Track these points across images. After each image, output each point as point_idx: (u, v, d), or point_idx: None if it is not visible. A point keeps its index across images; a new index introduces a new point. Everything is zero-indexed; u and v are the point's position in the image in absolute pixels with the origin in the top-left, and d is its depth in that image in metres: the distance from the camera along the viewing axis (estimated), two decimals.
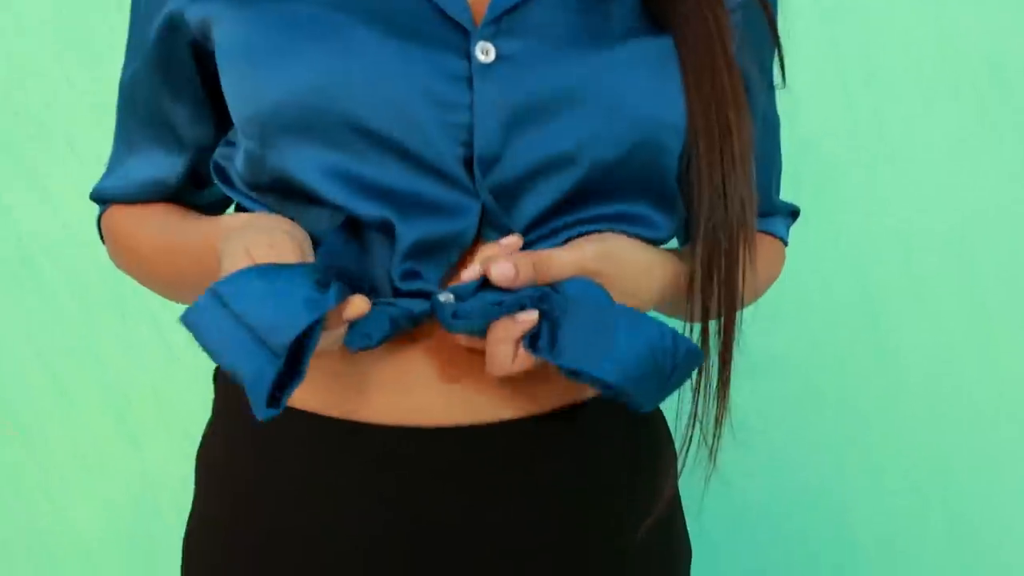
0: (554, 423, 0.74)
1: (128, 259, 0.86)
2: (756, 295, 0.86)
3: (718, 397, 0.72)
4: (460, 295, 0.67)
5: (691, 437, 0.72)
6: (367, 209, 0.68)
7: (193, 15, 0.72)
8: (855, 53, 1.33)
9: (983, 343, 1.40)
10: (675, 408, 0.73)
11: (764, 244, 0.86)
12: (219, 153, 0.78)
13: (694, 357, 0.66)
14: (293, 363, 0.61)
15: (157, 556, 1.46)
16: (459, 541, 0.73)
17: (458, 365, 0.72)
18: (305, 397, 0.73)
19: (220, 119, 0.79)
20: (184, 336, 0.61)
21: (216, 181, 0.78)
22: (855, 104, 1.34)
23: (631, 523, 0.77)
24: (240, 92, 0.70)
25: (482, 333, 0.67)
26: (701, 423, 0.71)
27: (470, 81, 0.67)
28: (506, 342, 0.66)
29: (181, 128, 0.81)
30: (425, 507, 0.72)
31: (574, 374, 0.64)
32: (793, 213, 0.91)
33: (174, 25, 0.75)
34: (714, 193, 0.70)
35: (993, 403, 1.42)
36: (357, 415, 0.72)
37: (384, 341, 0.68)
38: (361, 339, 0.68)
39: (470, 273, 0.68)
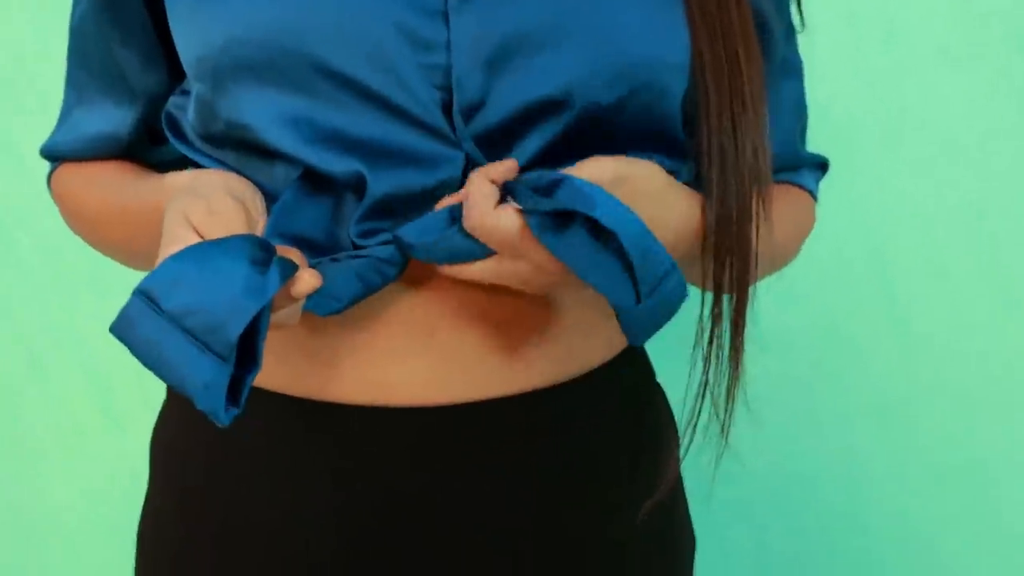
0: (538, 403, 0.69)
1: (78, 223, 0.80)
2: (785, 253, 0.79)
3: (730, 365, 0.66)
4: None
5: (700, 410, 0.66)
6: (331, 162, 0.62)
7: None
8: (872, 12, 1.27)
9: (1004, 320, 1.34)
10: (684, 381, 0.67)
11: (790, 196, 0.80)
12: (172, 103, 0.72)
13: (670, 281, 0.59)
14: (244, 355, 0.54)
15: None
16: (435, 530, 0.67)
17: (437, 338, 0.66)
18: (266, 374, 0.67)
19: (174, 66, 0.73)
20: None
21: (168, 135, 0.72)
22: (871, 67, 1.28)
23: (628, 509, 0.72)
24: (188, 28, 0.64)
25: (458, 258, 0.60)
26: (712, 394, 0.65)
27: (446, 17, 0.61)
28: (485, 184, 0.59)
29: (132, 76, 0.75)
30: (399, 494, 0.67)
31: (562, 224, 0.57)
32: (821, 165, 0.84)
33: None
34: (723, 137, 0.63)
35: (1013, 381, 1.36)
36: (323, 394, 0.66)
37: (355, 302, 0.62)
38: (328, 303, 0.62)
39: (445, 203, 0.62)
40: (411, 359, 0.66)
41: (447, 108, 0.62)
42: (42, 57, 1.26)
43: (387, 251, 0.62)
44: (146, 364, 0.54)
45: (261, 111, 0.62)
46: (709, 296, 0.66)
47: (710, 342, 0.66)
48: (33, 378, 1.35)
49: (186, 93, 0.71)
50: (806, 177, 0.82)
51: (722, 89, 0.63)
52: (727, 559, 1.40)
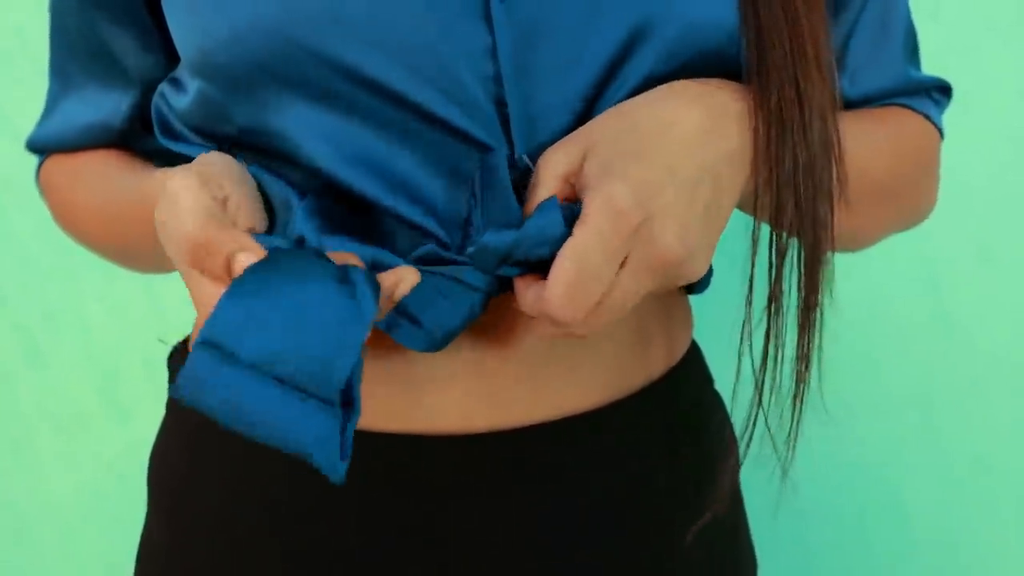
0: (592, 425, 0.62)
1: (67, 222, 0.73)
2: (894, 191, 0.69)
3: (797, 361, 0.58)
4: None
5: (755, 419, 0.59)
6: (381, 195, 0.55)
7: None
8: None
9: None
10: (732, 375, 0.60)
11: (900, 121, 0.69)
12: (162, 94, 0.64)
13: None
14: (345, 395, 0.46)
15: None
16: (479, 563, 0.60)
17: (482, 363, 0.59)
18: None
19: (171, 47, 0.64)
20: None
21: (156, 132, 0.64)
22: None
23: (689, 537, 0.65)
24: (184, 13, 0.56)
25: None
26: (772, 394, 0.58)
27: (488, 19, 0.54)
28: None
29: (125, 59, 0.67)
30: (438, 531, 0.60)
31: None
32: (942, 88, 0.74)
33: None
34: (785, 106, 0.55)
35: None
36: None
37: (459, 331, 0.55)
38: (425, 339, 0.53)
39: None
40: (453, 386, 0.59)
41: (504, 123, 0.55)
42: (43, 33, 1.20)
43: (474, 276, 0.54)
44: (234, 428, 0.45)
45: (293, 123, 0.55)
46: (760, 277, 0.58)
47: (767, 339, 0.58)
48: (31, 366, 1.30)
49: (175, 82, 0.63)
50: (919, 101, 0.72)
51: (780, 49, 0.55)
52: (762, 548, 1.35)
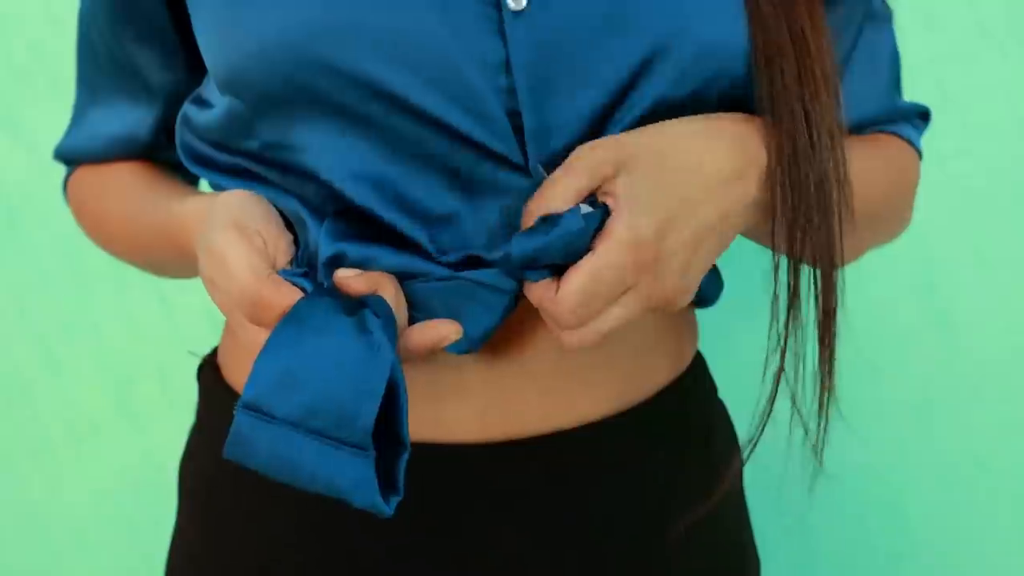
0: (603, 433, 0.64)
1: (94, 236, 0.76)
2: (887, 211, 0.71)
3: (821, 370, 0.60)
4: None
5: (764, 426, 0.61)
6: (398, 221, 0.58)
7: None
8: None
9: None
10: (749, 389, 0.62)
11: (889, 147, 0.73)
12: (185, 118, 0.66)
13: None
14: (386, 432, 0.50)
15: (159, 544, 1.36)
16: (495, 569, 0.63)
17: (500, 371, 0.61)
18: None
19: (196, 62, 0.66)
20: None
21: (181, 156, 0.66)
22: (912, 51, 1.23)
23: (699, 540, 0.68)
24: (213, 30, 0.58)
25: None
26: (796, 405, 0.60)
27: (502, 34, 0.55)
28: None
29: (149, 74, 0.70)
30: (458, 535, 0.62)
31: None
32: (922, 115, 0.77)
33: None
34: (796, 125, 0.57)
35: None
36: None
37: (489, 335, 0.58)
38: (463, 341, 0.57)
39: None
40: (471, 397, 0.62)
41: (518, 134, 0.57)
42: (59, 46, 1.21)
43: (498, 279, 0.57)
44: (281, 479, 0.50)
45: (312, 138, 0.57)
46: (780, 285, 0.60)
47: (782, 351, 0.60)
48: (47, 374, 1.31)
49: (200, 101, 0.65)
50: (903, 128, 0.75)
51: (790, 72, 0.58)
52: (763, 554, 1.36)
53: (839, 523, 1.36)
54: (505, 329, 0.60)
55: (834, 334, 0.61)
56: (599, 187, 0.54)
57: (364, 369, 0.49)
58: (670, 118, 0.58)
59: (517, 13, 0.55)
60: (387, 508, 0.50)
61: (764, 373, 0.61)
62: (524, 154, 0.57)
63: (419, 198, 0.58)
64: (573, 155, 0.55)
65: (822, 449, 0.63)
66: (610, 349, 0.64)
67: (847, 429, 1.28)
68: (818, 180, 0.57)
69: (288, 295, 0.52)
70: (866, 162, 0.66)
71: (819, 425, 0.62)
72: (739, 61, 0.58)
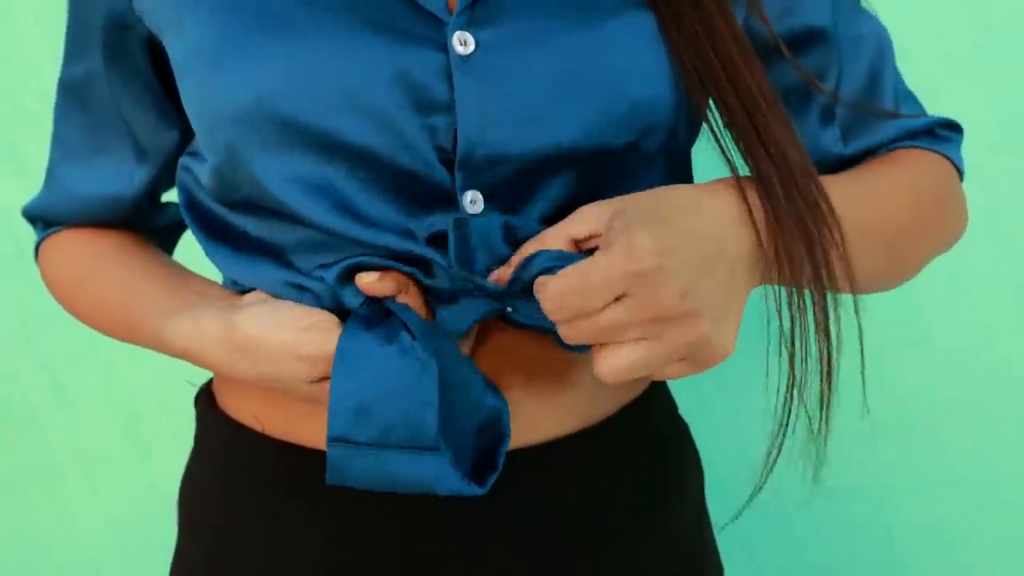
0: (572, 448, 0.68)
1: (68, 306, 0.78)
2: (923, 230, 0.72)
3: (823, 384, 0.63)
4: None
5: (784, 434, 0.63)
6: (364, 235, 0.63)
7: (139, 6, 0.65)
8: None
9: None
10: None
11: (905, 161, 0.72)
12: (188, 168, 0.69)
13: None
14: (487, 441, 0.60)
15: (165, 571, 1.37)
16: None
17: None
18: (299, 430, 0.67)
19: (186, 124, 0.71)
20: None
21: (181, 207, 0.69)
22: None
23: (658, 548, 0.72)
24: (195, 99, 0.62)
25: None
26: (806, 407, 0.62)
27: (450, 77, 0.60)
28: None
29: (143, 136, 0.72)
30: (438, 545, 0.66)
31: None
32: (950, 125, 0.77)
33: (121, 22, 0.67)
34: (753, 147, 0.60)
35: None
36: None
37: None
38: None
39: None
40: None
41: (450, 164, 0.61)
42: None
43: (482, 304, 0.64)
44: (380, 489, 0.58)
45: (281, 183, 0.61)
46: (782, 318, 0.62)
47: (791, 362, 0.62)
48: (56, 406, 1.34)
49: (197, 155, 0.69)
50: (925, 141, 0.75)
51: (731, 100, 0.61)
52: (751, 568, 1.38)
53: (825, 542, 1.39)
54: (476, 351, 0.65)
55: (834, 356, 0.64)
56: (598, 234, 0.57)
57: (418, 386, 0.57)
58: (608, 166, 0.62)
59: (465, 58, 0.60)
60: (477, 488, 0.58)
61: (774, 392, 0.63)
62: (454, 185, 0.62)
63: (379, 218, 0.63)
64: (575, 211, 0.59)
65: (820, 466, 0.66)
66: (575, 371, 0.68)
67: (836, 451, 1.32)
68: (797, 215, 0.59)
69: (328, 341, 0.60)
70: (879, 183, 0.68)
71: (819, 441, 0.65)
72: (668, 113, 0.63)
